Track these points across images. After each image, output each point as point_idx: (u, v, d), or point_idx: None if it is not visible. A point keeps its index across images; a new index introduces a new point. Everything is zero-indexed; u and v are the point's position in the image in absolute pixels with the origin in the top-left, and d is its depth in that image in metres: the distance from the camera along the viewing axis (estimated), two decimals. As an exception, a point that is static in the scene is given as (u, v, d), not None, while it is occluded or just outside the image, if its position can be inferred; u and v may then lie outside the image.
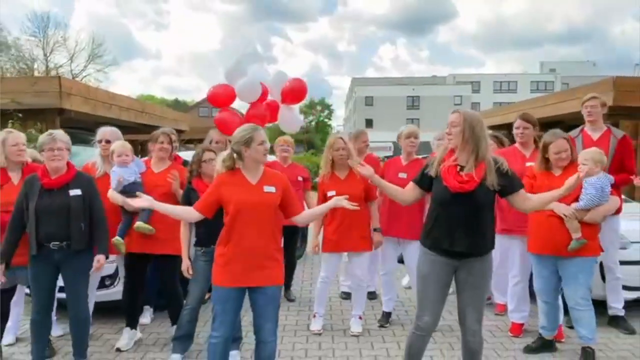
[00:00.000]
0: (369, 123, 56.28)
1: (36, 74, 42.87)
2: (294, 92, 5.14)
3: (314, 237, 4.27)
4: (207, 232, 3.34)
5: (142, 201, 2.93)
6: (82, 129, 7.35)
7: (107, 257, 3.42)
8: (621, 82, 6.63)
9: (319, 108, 79.48)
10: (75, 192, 3.23)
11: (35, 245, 3.16)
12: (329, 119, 79.95)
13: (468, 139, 2.76)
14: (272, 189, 2.91)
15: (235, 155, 2.89)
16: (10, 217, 3.27)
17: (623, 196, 4.44)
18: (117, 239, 3.64)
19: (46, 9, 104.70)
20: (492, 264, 2.98)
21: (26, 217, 3.21)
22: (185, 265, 3.48)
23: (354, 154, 4.02)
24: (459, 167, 2.81)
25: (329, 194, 3.87)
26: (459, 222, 2.79)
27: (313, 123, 77.10)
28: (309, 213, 3.28)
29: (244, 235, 2.85)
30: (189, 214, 2.99)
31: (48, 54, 42.86)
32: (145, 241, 3.69)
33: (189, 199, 3.42)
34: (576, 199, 3.52)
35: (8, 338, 3.84)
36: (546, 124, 7.72)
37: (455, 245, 2.80)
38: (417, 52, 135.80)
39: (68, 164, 3.31)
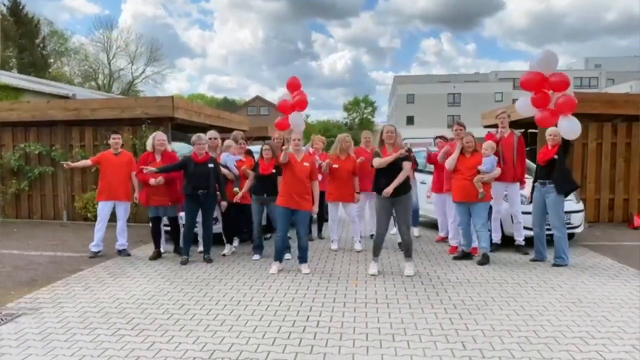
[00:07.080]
0: (410, 120, 57.13)
1: (100, 77, 47.46)
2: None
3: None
4: (262, 187, 6.34)
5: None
6: (177, 130, 10.58)
7: (226, 202, 6.46)
8: (580, 96, 9.21)
9: (362, 105, 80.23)
10: (210, 165, 6.27)
11: (190, 191, 6.20)
12: (372, 116, 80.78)
13: (395, 139, 5.60)
14: (307, 164, 5.84)
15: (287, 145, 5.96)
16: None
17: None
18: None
19: (96, 11, 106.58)
20: (411, 200, 5.78)
21: (185, 176, 6.25)
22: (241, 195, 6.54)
23: (352, 145, 7.03)
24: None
25: (333, 166, 6.97)
26: (388, 177, 5.58)
27: (357, 120, 78.49)
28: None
29: (292, 184, 5.78)
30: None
31: (111, 58, 47.43)
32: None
33: (255, 168, 6.45)
34: (478, 171, 6.22)
35: (164, 248, 6.94)
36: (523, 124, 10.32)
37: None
38: (462, 47, 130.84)
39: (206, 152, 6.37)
